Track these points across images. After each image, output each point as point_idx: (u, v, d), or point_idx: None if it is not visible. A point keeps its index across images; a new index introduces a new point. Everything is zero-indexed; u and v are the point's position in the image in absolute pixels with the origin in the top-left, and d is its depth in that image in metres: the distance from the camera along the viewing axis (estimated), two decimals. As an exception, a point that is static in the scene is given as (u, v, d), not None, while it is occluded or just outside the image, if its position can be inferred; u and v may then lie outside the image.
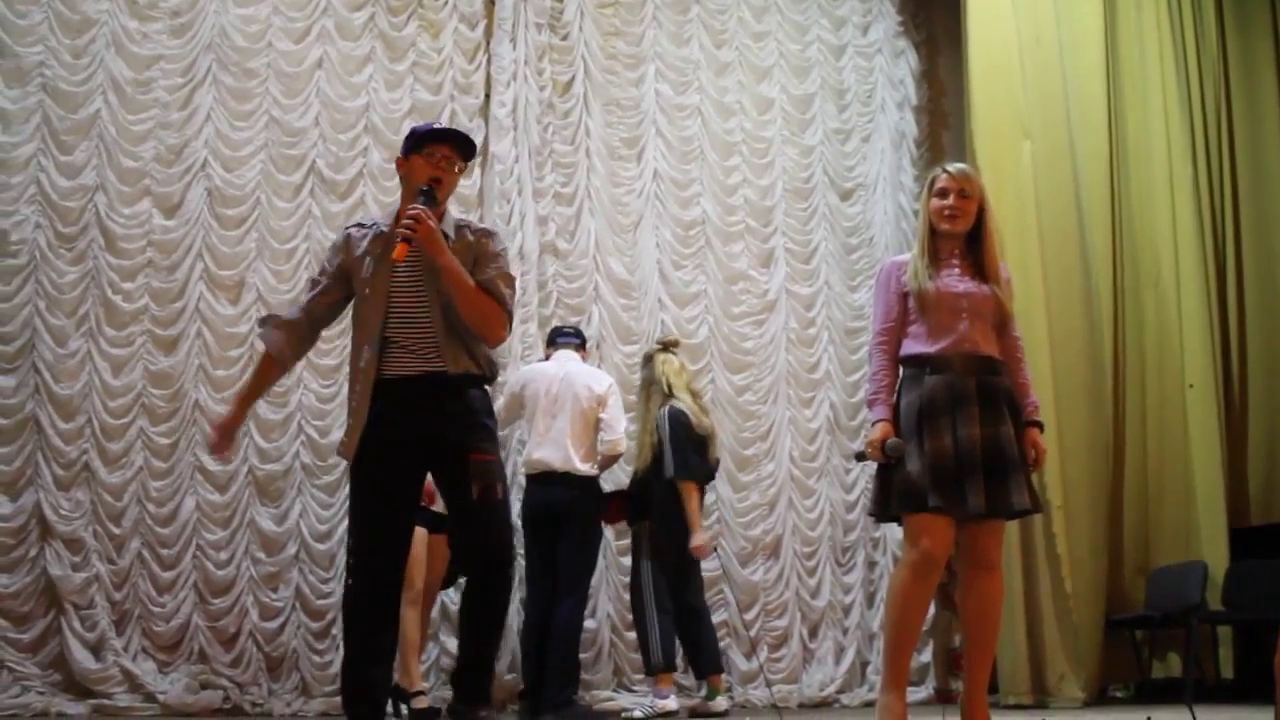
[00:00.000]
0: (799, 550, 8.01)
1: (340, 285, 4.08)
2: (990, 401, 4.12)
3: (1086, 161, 7.89)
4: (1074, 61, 7.96)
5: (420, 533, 5.82)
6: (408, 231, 3.79)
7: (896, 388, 4.23)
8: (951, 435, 4.03)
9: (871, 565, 8.18)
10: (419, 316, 3.89)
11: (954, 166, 4.36)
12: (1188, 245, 8.04)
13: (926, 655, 8.07)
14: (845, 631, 8.02)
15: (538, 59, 7.95)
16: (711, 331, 8.05)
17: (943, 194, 4.25)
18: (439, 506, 5.66)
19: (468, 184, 7.67)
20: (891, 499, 4.12)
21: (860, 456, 4.26)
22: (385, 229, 4.00)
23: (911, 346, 4.19)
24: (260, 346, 4.39)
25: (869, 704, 7.77)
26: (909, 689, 7.87)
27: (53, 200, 6.93)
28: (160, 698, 6.56)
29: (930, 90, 8.95)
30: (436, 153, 3.98)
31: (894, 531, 8.19)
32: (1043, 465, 4.24)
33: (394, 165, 4.01)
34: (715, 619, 7.63)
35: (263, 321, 4.19)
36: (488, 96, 7.86)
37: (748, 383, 8.09)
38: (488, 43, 7.92)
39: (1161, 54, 8.29)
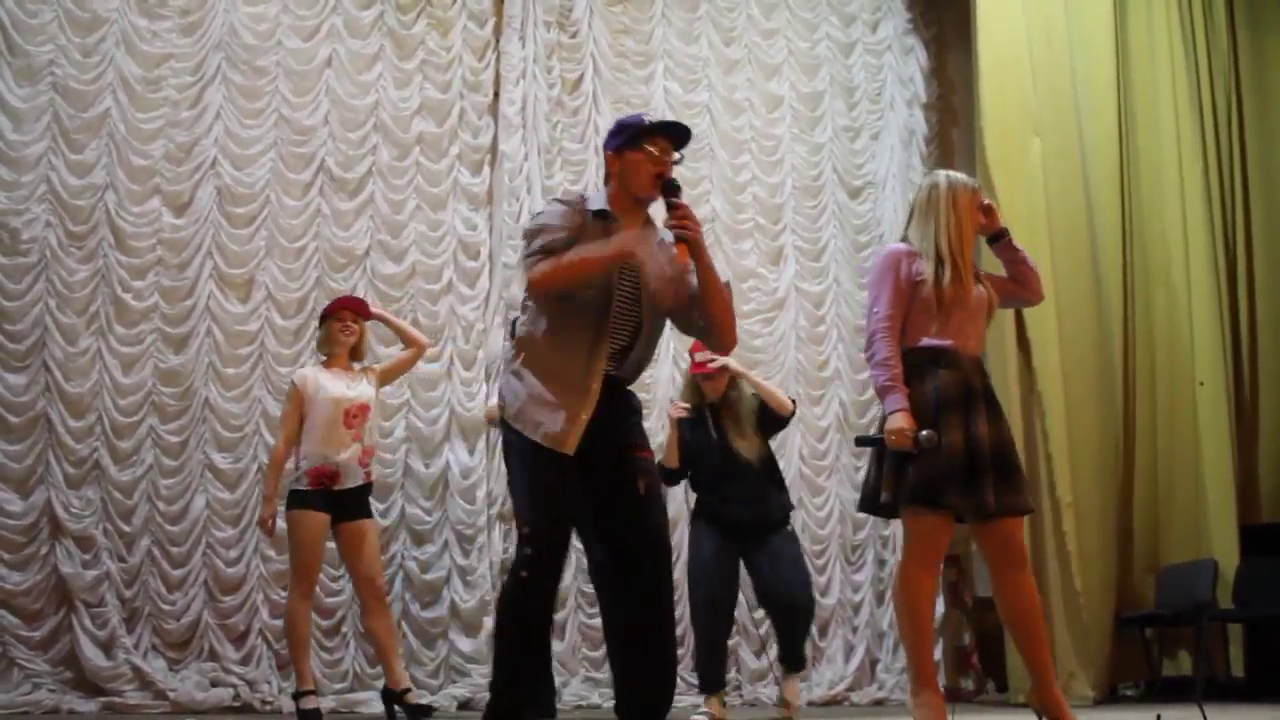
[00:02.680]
0: (808, 548, 7.96)
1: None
2: (992, 402, 4.16)
3: (1096, 159, 7.88)
4: (1084, 58, 7.94)
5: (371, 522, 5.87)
6: (689, 231, 3.55)
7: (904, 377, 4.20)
8: (964, 431, 4.03)
9: (881, 563, 8.17)
10: (628, 319, 3.64)
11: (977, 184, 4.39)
12: (1198, 242, 8.02)
13: (935, 654, 8.02)
14: (855, 630, 8.01)
15: (547, 57, 7.95)
16: (721, 329, 8.03)
17: (985, 212, 4.28)
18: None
19: (476, 181, 7.69)
20: (899, 491, 4.06)
21: (870, 442, 4.18)
22: (609, 210, 3.66)
23: (923, 339, 4.15)
24: None
25: (878, 702, 7.77)
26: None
27: (63, 198, 6.94)
28: (170, 695, 6.58)
29: (940, 87, 8.93)
30: (657, 147, 3.66)
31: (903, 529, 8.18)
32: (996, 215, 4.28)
33: (604, 158, 3.75)
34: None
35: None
36: (496, 94, 7.87)
37: (757, 380, 8.08)
38: (497, 40, 7.93)
39: (1172, 51, 8.26)
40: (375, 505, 7.08)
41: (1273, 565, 7.29)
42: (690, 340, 6.06)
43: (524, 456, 3.59)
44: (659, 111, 8.11)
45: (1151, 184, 8.12)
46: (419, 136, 7.67)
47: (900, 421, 3.99)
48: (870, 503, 4.21)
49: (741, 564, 5.92)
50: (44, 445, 6.75)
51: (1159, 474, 7.87)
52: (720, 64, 8.43)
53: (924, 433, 3.96)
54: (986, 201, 4.31)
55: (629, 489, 3.59)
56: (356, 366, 5.99)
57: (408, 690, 5.75)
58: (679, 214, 3.57)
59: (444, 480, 7.32)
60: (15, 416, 6.74)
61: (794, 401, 6.18)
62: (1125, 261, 7.95)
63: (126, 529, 6.80)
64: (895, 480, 4.06)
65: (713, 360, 5.88)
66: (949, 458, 3.98)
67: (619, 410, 3.66)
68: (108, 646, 6.63)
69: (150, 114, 7.17)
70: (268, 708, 6.72)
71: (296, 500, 5.68)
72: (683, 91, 8.31)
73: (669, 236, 3.68)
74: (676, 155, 3.71)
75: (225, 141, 7.28)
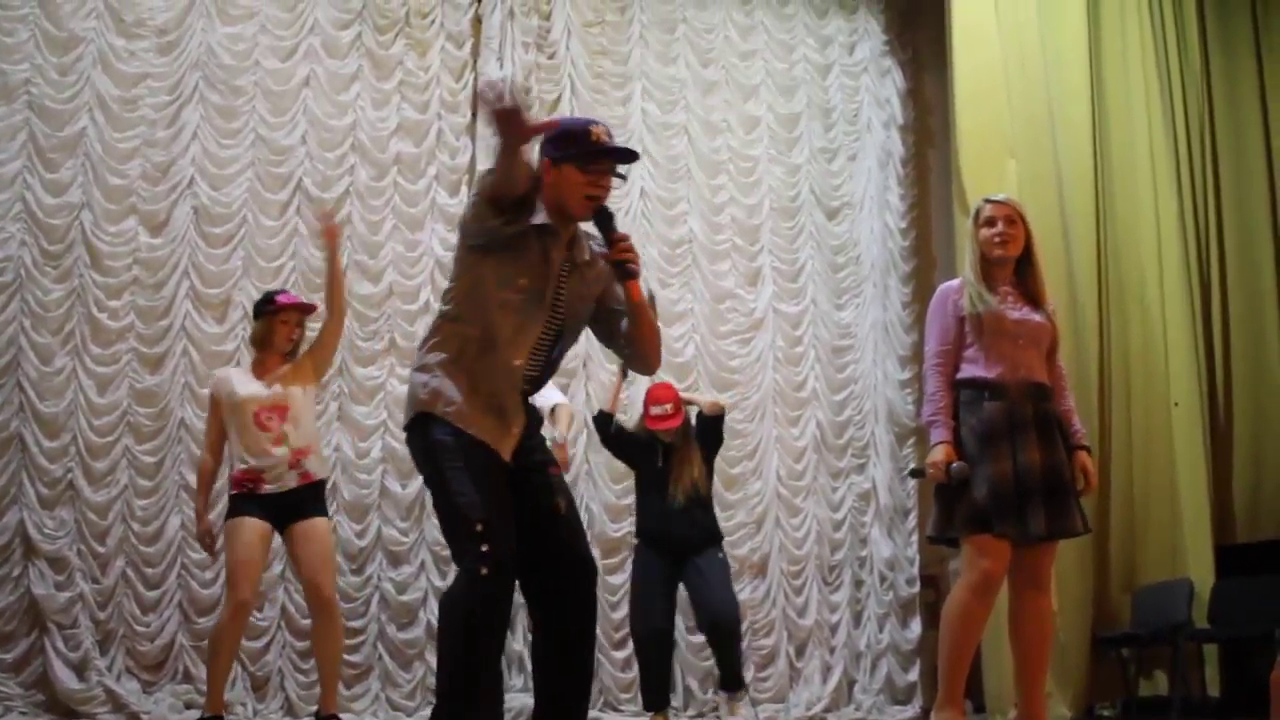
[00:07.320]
0: (785, 569, 8.00)
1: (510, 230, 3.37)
2: (1045, 427, 4.23)
3: (1071, 180, 7.92)
4: (1058, 81, 8.00)
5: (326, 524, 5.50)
6: (637, 267, 3.39)
7: (953, 410, 4.30)
8: (1011, 460, 4.12)
9: (858, 584, 8.17)
10: (546, 336, 3.43)
11: (996, 196, 4.49)
12: (1172, 264, 8.07)
13: (914, 674, 8.05)
14: (832, 650, 8.00)
15: (525, 78, 7.96)
16: (698, 350, 8.06)
17: (990, 223, 4.39)
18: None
19: (454, 202, 7.69)
20: (954, 521, 4.19)
21: (917, 474, 4.40)
22: (550, 225, 3.40)
23: (969, 371, 4.27)
24: None
25: (856, 723, 7.77)
26: (897, 708, 7.94)
27: (38, 218, 6.92)
28: (144, 718, 6.53)
29: (916, 109, 8.97)
30: (601, 168, 3.40)
31: (880, 550, 8.19)
32: (1093, 489, 4.37)
33: (540, 166, 3.40)
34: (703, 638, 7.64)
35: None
36: (475, 115, 7.87)
37: (734, 401, 8.06)
38: (475, 61, 7.94)
39: (1145, 73, 8.33)
40: (351, 526, 7.11)
41: (1248, 585, 7.31)
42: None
43: (463, 452, 3.31)
44: (634, 133, 8.15)
45: (1126, 205, 8.17)
46: (396, 157, 7.67)
47: (937, 455, 4.17)
48: (934, 530, 4.37)
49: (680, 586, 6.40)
50: (17, 465, 6.71)
51: (1135, 494, 7.89)
52: (698, 85, 8.46)
53: (954, 465, 4.12)
54: (986, 215, 4.39)
55: (549, 509, 3.44)
56: (287, 361, 5.55)
57: (334, 718, 5.40)
58: (623, 247, 3.39)
59: (420, 501, 7.28)
60: (-12, 437, 6.70)
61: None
62: (1100, 282, 7.99)
63: (101, 550, 6.75)
64: (946, 511, 4.22)
65: (670, 414, 6.40)
66: (997, 486, 4.09)
67: (531, 425, 3.51)
68: (81, 669, 6.58)
69: (127, 133, 7.16)
70: (242, 730, 6.68)
71: (230, 508, 5.43)
72: (660, 113, 8.33)
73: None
74: (621, 171, 3.46)
75: (202, 161, 7.27)
